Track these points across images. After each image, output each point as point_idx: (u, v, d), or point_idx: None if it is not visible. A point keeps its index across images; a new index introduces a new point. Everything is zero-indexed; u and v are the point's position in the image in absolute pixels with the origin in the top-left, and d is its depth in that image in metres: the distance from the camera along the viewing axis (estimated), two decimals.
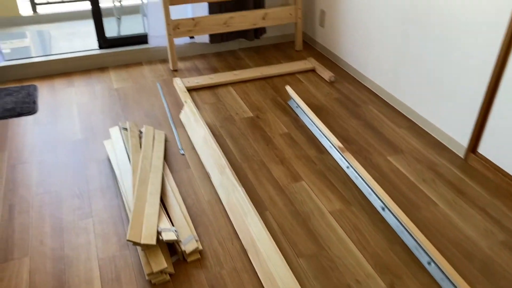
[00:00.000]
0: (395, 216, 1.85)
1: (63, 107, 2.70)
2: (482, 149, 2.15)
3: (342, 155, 2.22)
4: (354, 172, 2.12)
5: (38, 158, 2.25)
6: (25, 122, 2.55)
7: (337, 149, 2.26)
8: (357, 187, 2.09)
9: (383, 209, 1.93)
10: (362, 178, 2.06)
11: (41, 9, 4.09)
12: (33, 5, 4.02)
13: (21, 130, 2.48)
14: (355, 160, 2.12)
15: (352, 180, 2.13)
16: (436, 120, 2.41)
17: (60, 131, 2.47)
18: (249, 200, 1.85)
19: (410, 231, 1.75)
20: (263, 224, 1.74)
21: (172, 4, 2.99)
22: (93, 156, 2.27)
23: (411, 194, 2.04)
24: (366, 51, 2.90)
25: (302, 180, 2.13)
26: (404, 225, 1.79)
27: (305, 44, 3.61)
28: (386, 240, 1.81)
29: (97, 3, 3.06)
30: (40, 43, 3.61)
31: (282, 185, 2.09)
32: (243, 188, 1.91)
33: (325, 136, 2.37)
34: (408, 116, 2.62)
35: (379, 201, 1.96)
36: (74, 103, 2.74)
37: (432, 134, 2.46)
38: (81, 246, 1.77)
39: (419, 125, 2.54)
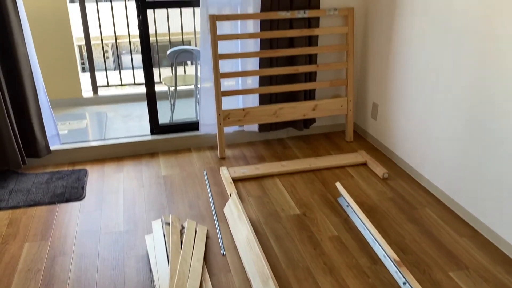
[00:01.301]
0: None
1: (110, 194, 2.70)
2: None
3: (398, 269, 2.00)
4: None
5: (79, 250, 2.21)
6: (71, 208, 2.56)
7: (392, 261, 2.05)
8: None
9: None
10: None
11: (101, 91, 4.33)
12: (95, 87, 4.26)
13: (67, 217, 2.48)
14: (413, 278, 1.90)
15: None
16: (505, 232, 2.16)
17: (104, 221, 2.44)
18: None
19: None
20: None
21: (224, 95, 3.04)
22: (133, 252, 2.20)
23: None
24: (422, 148, 2.75)
25: None
26: None
27: (356, 135, 3.52)
28: None
29: (153, 90, 3.17)
30: (97, 124, 3.76)
31: None
32: None
33: (379, 244, 2.17)
34: (470, 224, 2.39)
35: None
36: (121, 190, 2.74)
37: (500, 248, 2.20)
38: None
39: (484, 235, 2.30)
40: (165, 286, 1.89)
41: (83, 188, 2.73)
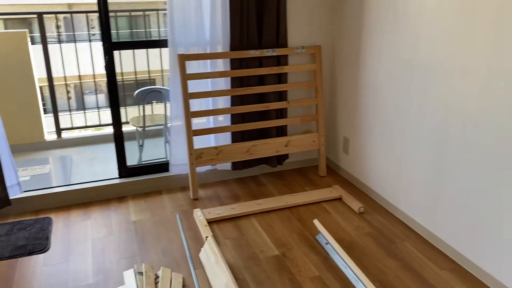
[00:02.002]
0: None
1: (77, 243, 2.54)
2: None
3: None
4: None
5: None
6: (34, 261, 2.37)
7: None
8: None
9: None
10: None
11: (65, 134, 4.17)
12: (58, 130, 4.10)
13: (29, 272, 2.29)
14: None
15: None
16: (485, 264, 2.16)
17: (71, 274, 2.27)
18: None
19: None
20: None
21: (195, 134, 2.98)
22: None
23: None
24: (396, 181, 2.76)
25: None
26: None
27: (329, 169, 3.52)
28: None
29: (120, 131, 3.07)
30: (61, 169, 3.60)
31: None
32: None
33: (362, 283, 2.12)
34: (450, 257, 2.38)
35: None
36: (89, 239, 2.58)
37: (482, 280, 2.19)
38: None
39: (466, 268, 2.29)
40: None
41: (47, 238, 2.55)
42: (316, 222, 2.55)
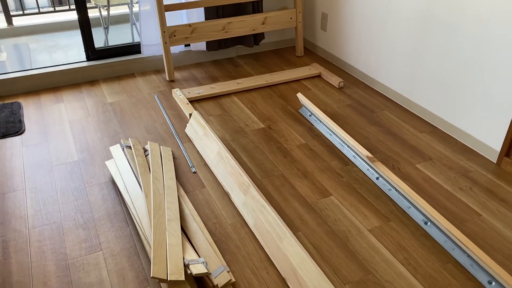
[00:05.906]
0: (442, 231, 1.69)
1: (54, 125, 2.43)
2: None
3: (370, 166, 2.04)
4: (386, 183, 1.95)
5: (31, 185, 1.98)
6: (11, 144, 2.27)
7: (363, 159, 2.09)
8: (392, 200, 1.91)
9: (426, 223, 1.76)
10: (397, 190, 1.90)
11: (17, 21, 3.80)
12: (8, 17, 3.72)
13: (8, 153, 2.20)
14: (388, 170, 1.95)
15: (385, 193, 1.95)
16: (461, 124, 2.28)
17: (53, 153, 2.20)
18: (283, 222, 1.65)
19: (465, 248, 1.59)
20: (304, 249, 1.53)
21: (167, 10, 2.77)
22: (94, 179, 2.02)
23: (451, 205, 1.89)
24: (375, 54, 2.76)
25: (330, 195, 1.94)
26: (454, 240, 1.63)
27: (305, 49, 3.45)
28: (436, 258, 1.63)
29: (86, 12, 2.82)
30: (17, 58, 3.32)
31: (311, 202, 1.90)
32: (273, 209, 1.71)
33: (348, 146, 2.19)
34: (428, 121, 2.48)
35: (420, 214, 1.79)
36: (65, 121, 2.48)
37: (457, 139, 2.32)
38: (93, 285, 1.52)
39: (442, 129, 2.40)
40: (141, 206, 1.76)
41: (20, 121, 2.43)
42: (299, 95, 2.55)
